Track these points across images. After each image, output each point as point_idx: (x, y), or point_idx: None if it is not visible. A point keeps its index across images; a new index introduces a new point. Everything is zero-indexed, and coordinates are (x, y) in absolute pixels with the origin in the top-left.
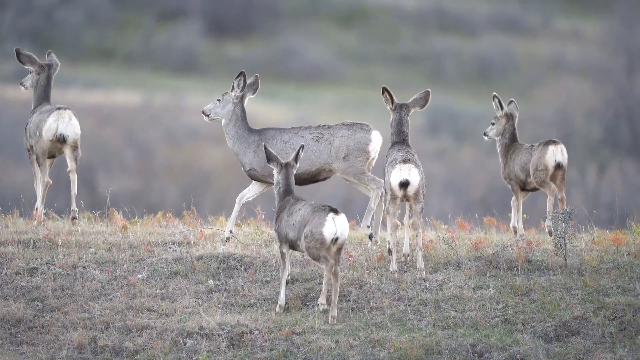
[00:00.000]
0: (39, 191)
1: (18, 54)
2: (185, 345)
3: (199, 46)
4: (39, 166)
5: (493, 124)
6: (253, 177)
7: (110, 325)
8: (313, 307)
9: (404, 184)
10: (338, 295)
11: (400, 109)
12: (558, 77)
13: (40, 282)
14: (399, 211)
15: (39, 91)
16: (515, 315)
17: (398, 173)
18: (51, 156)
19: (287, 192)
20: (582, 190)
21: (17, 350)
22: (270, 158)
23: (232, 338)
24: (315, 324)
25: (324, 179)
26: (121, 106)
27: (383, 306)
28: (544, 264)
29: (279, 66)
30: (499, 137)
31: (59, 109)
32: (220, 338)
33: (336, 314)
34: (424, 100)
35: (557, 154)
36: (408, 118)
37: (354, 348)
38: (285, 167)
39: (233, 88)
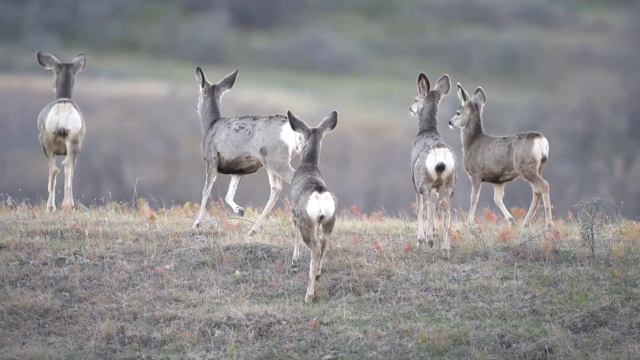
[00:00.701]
0: (60, 182)
1: (38, 56)
2: (213, 335)
3: (224, 38)
4: (46, 157)
5: (458, 113)
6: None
7: (138, 316)
8: (341, 297)
9: (440, 168)
10: (321, 264)
11: (433, 96)
12: (584, 69)
13: (67, 273)
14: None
15: (58, 89)
16: (543, 306)
17: (433, 157)
18: (56, 152)
19: (309, 158)
20: (609, 181)
21: (45, 341)
22: (294, 125)
23: (259, 328)
24: (343, 314)
25: (249, 170)
26: (147, 98)
27: (411, 297)
28: (572, 255)
29: (304, 58)
30: (464, 127)
31: (59, 102)
32: (248, 328)
33: (316, 276)
34: (446, 85)
35: (542, 146)
36: (438, 105)
37: (381, 338)
38: (313, 133)
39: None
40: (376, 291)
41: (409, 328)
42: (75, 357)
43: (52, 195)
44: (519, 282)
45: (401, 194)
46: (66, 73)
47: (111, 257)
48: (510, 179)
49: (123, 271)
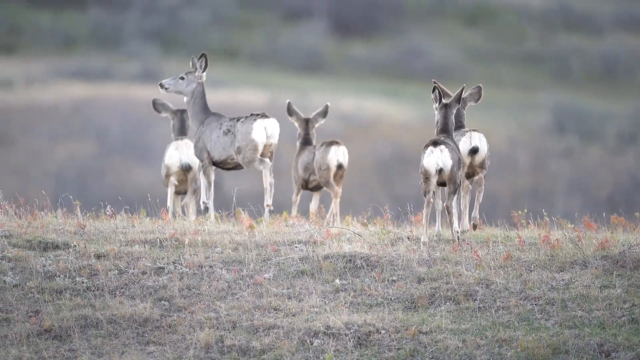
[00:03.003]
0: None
1: (154, 104)
2: (312, 344)
3: (324, 46)
4: (167, 186)
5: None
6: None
7: (237, 325)
8: (440, 306)
9: (474, 151)
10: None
11: (445, 107)
12: None
13: (167, 282)
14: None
15: (175, 134)
16: None
17: (468, 140)
18: (177, 192)
19: (442, 130)
20: None
21: (144, 350)
22: (440, 95)
23: (358, 337)
24: (442, 323)
25: (235, 168)
26: (246, 105)
27: (510, 305)
28: None
29: (404, 65)
30: (298, 142)
31: (177, 139)
32: (347, 337)
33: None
34: (477, 94)
35: (338, 154)
36: (464, 111)
37: (481, 347)
38: (445, 107)
39: (196, 69)
40: (475, 300)
41: (508, 337)
42: None
43: (170, 207)
44: (618, 291)
45: (499, 202)
46: (181, 118)
47: (210, 266)
48: (318, 187)
49: (222, 280)
